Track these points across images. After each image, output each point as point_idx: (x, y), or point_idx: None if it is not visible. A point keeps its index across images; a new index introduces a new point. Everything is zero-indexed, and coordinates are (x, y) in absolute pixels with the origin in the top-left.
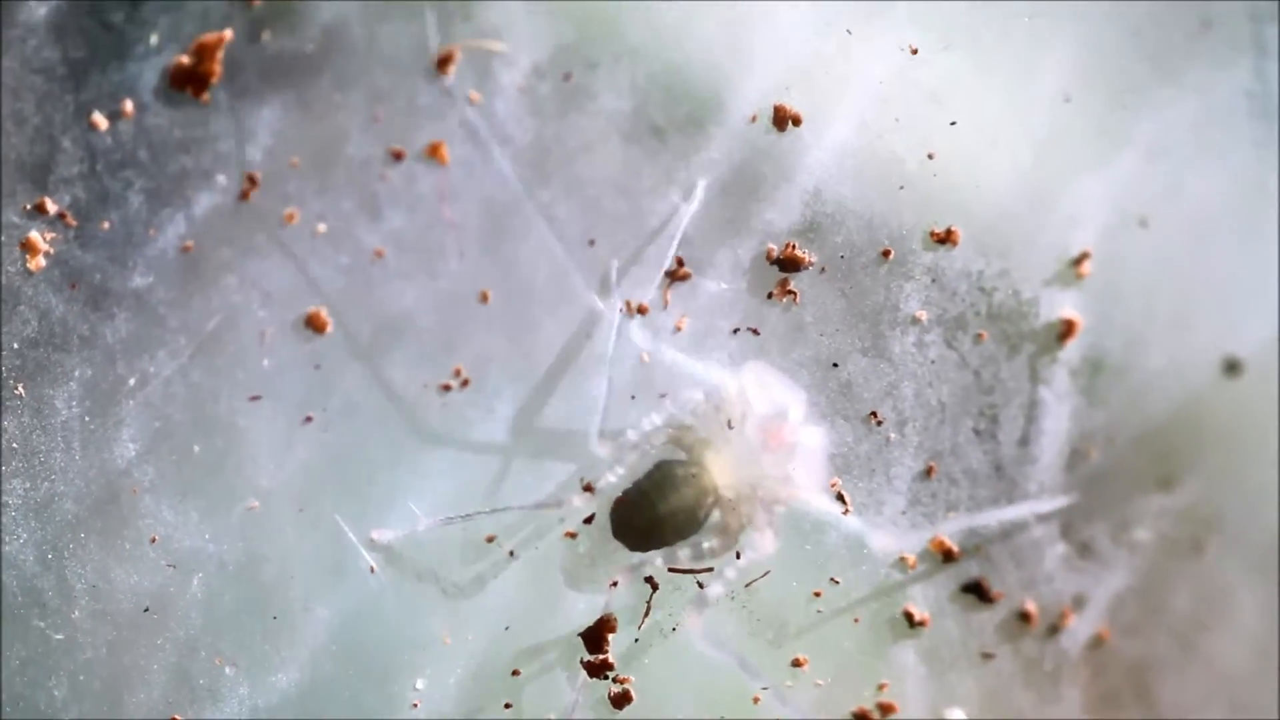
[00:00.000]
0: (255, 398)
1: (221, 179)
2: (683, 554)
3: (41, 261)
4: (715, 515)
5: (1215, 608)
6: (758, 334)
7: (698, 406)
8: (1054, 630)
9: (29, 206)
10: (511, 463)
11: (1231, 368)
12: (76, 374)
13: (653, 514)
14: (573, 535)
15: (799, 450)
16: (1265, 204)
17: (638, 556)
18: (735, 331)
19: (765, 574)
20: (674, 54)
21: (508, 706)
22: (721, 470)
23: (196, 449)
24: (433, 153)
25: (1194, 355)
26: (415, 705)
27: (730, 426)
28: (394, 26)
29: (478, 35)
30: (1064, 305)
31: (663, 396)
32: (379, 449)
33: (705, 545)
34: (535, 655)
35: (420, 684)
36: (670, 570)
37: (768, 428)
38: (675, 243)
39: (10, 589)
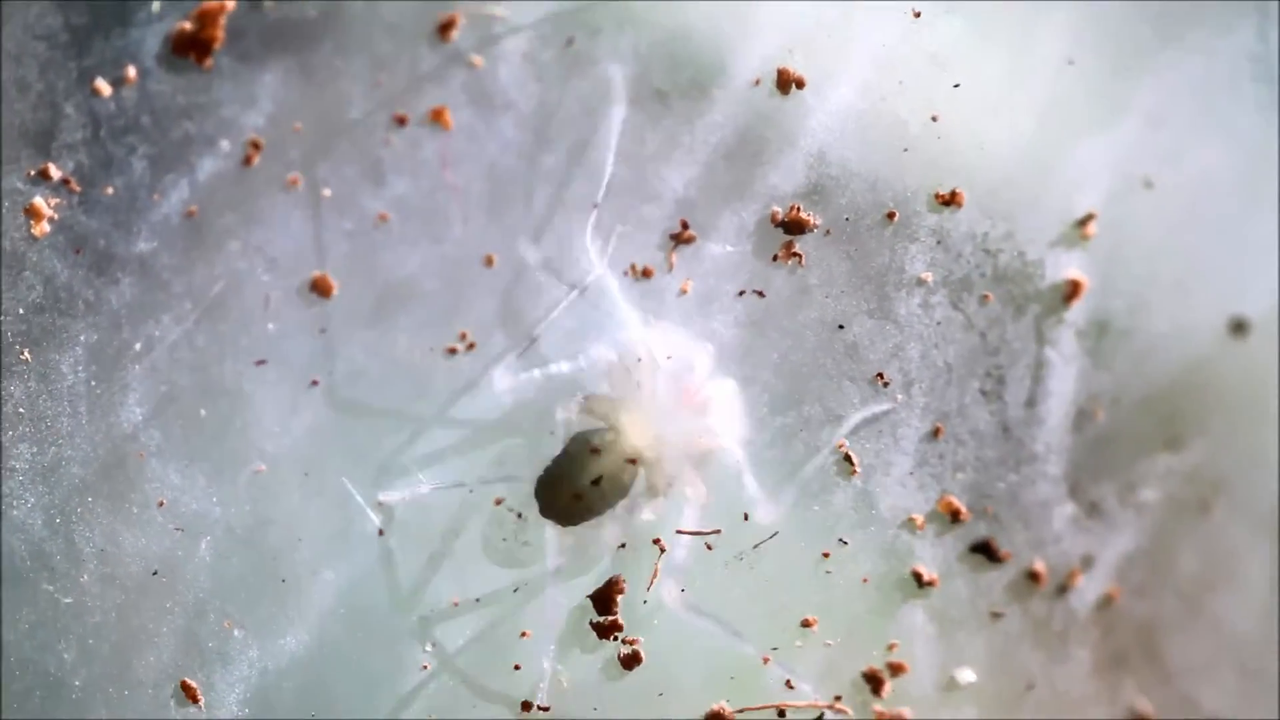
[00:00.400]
0: (261, 362)
1: (225, 144)
2: (614, 521)
3: (46, 227)
4: (640, 477)
5: (1222, 568)
6: (763, 296)
7: (611, 368)
8: (1063, 590)
9: (33, 172)
10: (518, 425)
11: (1238, 328)
12: (82, 339)
13: (575, 486)
14: (499, 501)
15: (712, 403)
16: (1268, 166)
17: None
18: (740, 294)
19: (773, 535)
20: (676, 19)
21: (517, 668)
22: (639, 432)
23: (203, 413)
24: (436, 117)
25: (1200, 316)
26: (424, 667)
27: (639, 386)
28: None
29: (480, 0)
30: (1069, 267)
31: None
32: (385, 413)
33: (636, 507)
34: (543, 617)
35: (429, 647)
36: (678, 532)
37: (678, 384)
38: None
39: (19, 553)
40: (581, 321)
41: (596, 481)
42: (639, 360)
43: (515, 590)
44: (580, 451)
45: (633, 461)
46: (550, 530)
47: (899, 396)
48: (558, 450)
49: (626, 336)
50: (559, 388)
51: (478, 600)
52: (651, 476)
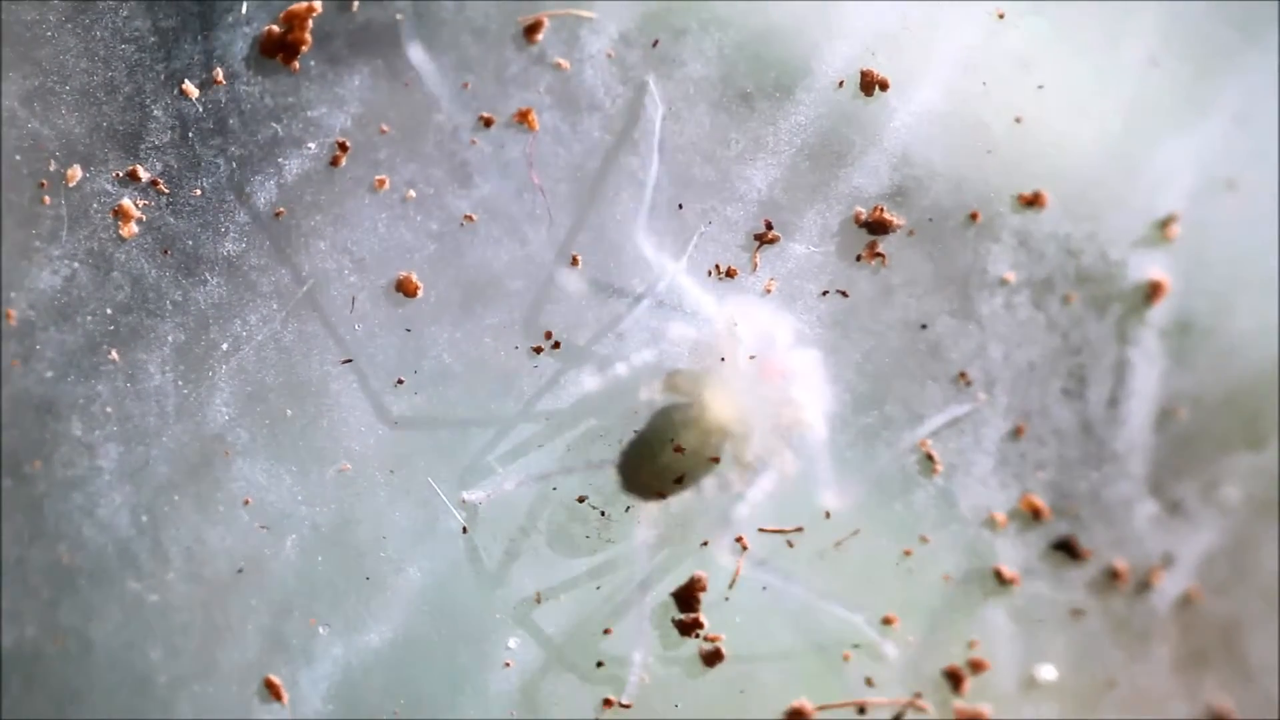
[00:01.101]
0: (347, 361)
1: (312, 146)
2: (700, 491)
3: (134, 228)
4: (728, 450)
5: None
6: (846, 296)
7: (694, 346)
8: (1143, 588)
9: (121, 174)
10: (601, 423)
11: None
12: (169, 339)
13: (655, 461)
14: (583, 499)
15: (795, 374)
16: None
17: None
18: (824, 294)
19: (855, 533)
20: (760, 20)
21: (600, 665)
22: (723, 405)
23: (289, 412)
24: (521, 119)
25: None
26: (508, 665)
27: (721, 360)
28: None
29: (566, 3)
30: (1152, 267)
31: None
32: (469, 411)
33: (726, 480)
34: (626, 613)
35: (513, 643)
36: (760, 531)
37: (760, 357)
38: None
39: (106, 552)
40: (663, 320)
41: (679, 451)
42: (719, 333)
43: (598, 587)
44: (664, 424)
45: (720, 435)
46: (639, 528)
47: (981, 396)
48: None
49: (706, 314)
50: (644, 376)
51: (561, 597)
52: (737, 450)
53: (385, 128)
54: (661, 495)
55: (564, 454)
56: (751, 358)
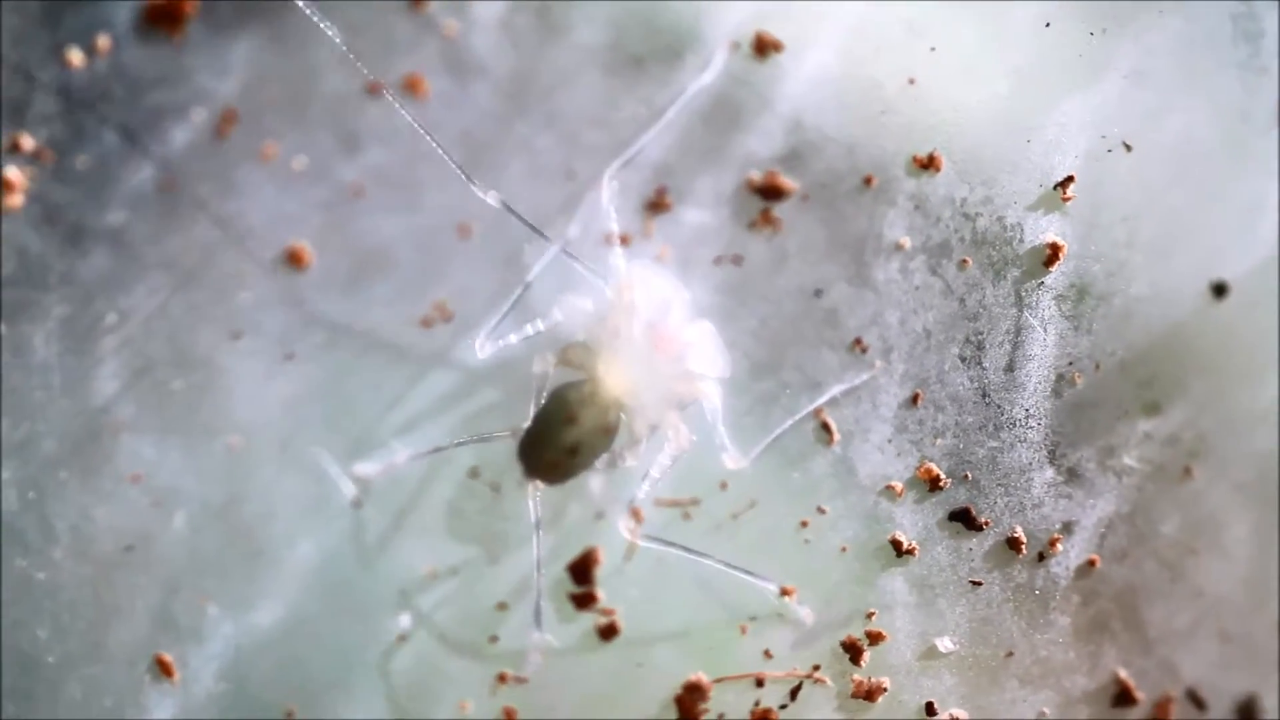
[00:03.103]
0: (236, 334)
1: (198, 114)
2: (599, 466)
3: (19, 199)
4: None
5: (1203, 533)
6: (739, 263)
7: (588, 316)
8: (1043, 557)
9: (5, 144)
10: (495, 396)
11: (1218, 291)
12: (55, 312)
13: (560, 443)
14: (475, 474)
15: (690, 345)
16: (1249, 127)
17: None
18: (718, 260)
19: (752, 504)
20: None
21: (493, 640)
22: (618, 380)
23: (177, 386)
24: (411, 86)
25: (1180, 279)
26: (401, 640)
27: (616, 333)
28: None
29: None
30: (1048, 230)
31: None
32: (361, 384)
33: (622, 454)
34: (521, 589)
35: (405, 620)
36: (656, 504)
37: (654, 328)
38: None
39: None
40: (557, 291)
41: (581, 435)
42: (614, 304)
43: (491, 564)
44: (560, 406)
45: (615, 411)
46: (529, 501)
47: (877, 363)
48: (536, 408)
49: (599, 284)
50: (538, 348)
51: (455, 573)
52: (634, 424)
53: (272, 96)
54: (564, 478)
55: (457, 426)
56: (647, 328)
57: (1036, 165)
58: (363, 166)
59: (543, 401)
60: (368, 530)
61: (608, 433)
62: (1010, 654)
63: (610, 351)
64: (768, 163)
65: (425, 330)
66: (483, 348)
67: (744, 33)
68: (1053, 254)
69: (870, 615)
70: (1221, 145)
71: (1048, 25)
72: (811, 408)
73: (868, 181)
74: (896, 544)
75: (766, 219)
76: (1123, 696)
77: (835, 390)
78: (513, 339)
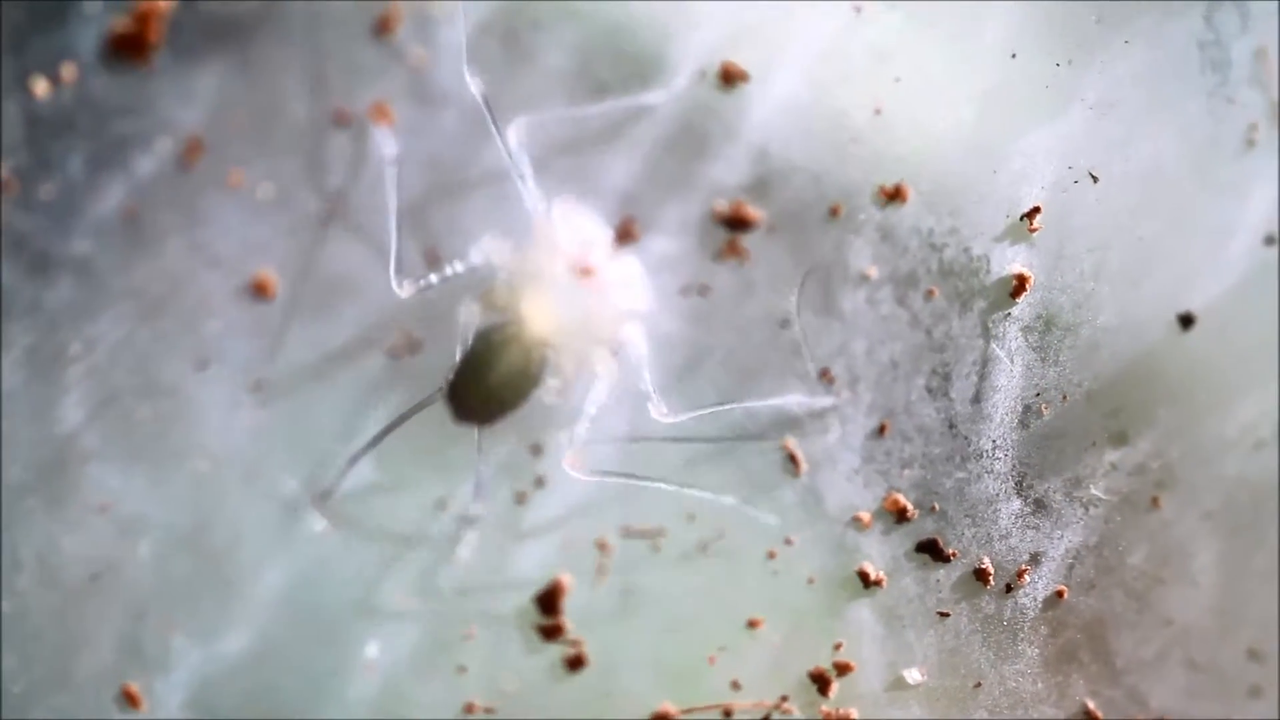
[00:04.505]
0: (203, 363)
1: (164, 143)
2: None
3: None
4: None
5: (1170, 563)
6: (705, 295)
7: (504, 256)
8: (1010, 588)
9: None
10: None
11: (1185, 322)
12: (20, 341)
13: (486, 386)
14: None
15: (616, 280)
16: (1218, 156)
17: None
18: (684, 290)
19: (720, 538)
20: (619, 13)
21: (462, 671)
22: (542, 318)
23: (143, 415)
24: (378, 113)
25: (1146, 310)
26: (368, 668)
27: (537, 272)
28: None
29: None
30: (1015, 261)
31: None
32: (328, 412)
33: (550, 393)
34: (489, 618)
35: (373, 647)
36: (624, 535)
37: (577, 263)
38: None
39: None
40: (479, 225)
41: (506, 377)
42: (535, 242)
43: (460, 592)
44: (484, 348)
45: (541, 350)
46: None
47: (844, 393)
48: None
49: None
50: (461, 296)
51: (422, 600)
52: (562, 361)
53: (238, 124)
54: (494, 419)
55: (423, 452)
56: (570, 265)
57: (1003, 196)
58: (329, 194)
59: (469, 346)
60: (336, 558)
61: (534, 372)
62: (979, 685)
63: (533, 291)
64: (734, 191)
65: (392, 358)
66: (401, 287)
67: (710, 61)
68: (1019, 285)
69: (838, 646)
70: (1189, 173)
71: (1014, 56)
72: (765, 404)
73: (834, 211)
74: (864, 575)
75: (733, 249)
76: None
77: (795, 400)
78: (433, 279)
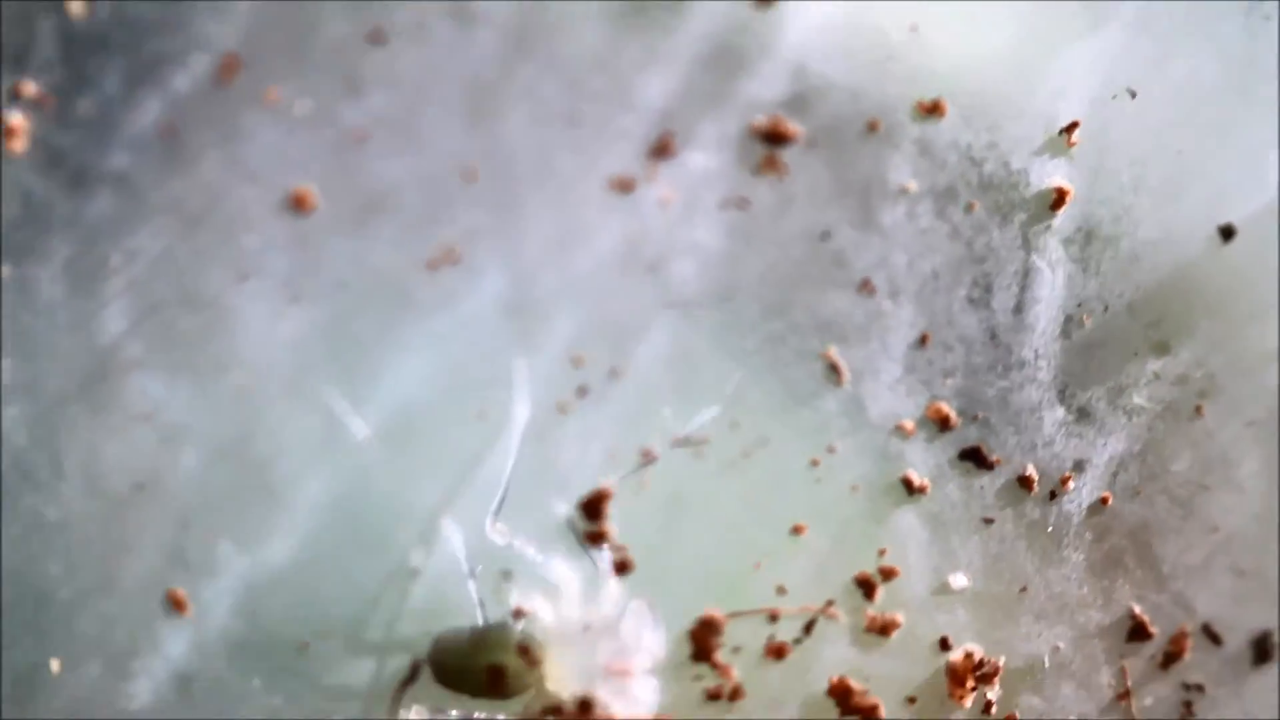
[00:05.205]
0: (243, 276)
1: (200, 60)
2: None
3: (22, 144)
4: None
5: (1214, 470)
6: (744, 208)
7: (567, 593)
8: (1054, 495)
9: (8, 90)
10: (499, 338)
11: (1226, 234)
12: (60, 254)
13: (479, 666)
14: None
15: (637, 694)
16: (1255, 72)
17: None
18: (723, 204)
19: (763, 446)
20: None
21: (507, 575)
22: (560, 678)
23: (185, 327)
24: (415, 31)
25: (1186, 223)
26: (413, 574)
27: (584, 631)
28: None
29: None
30: (1054, 175)
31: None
32: (367, 326)
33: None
34: (533, 525)
35: (418, 555)
36: (671, 444)
37: (618, 661)
38: None
39: (2, 466)
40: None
41: (492, 680)
42: (593, 626)
43: (502, 498)
44: (501, 645)
45: (535, 690)
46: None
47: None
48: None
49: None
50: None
51: (466, 505)
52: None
53: (275, 40)
54: (468, 693)
55: (459, 368)
56: (609, 656)
57: (1041, 111)
58: (366, 110)
59: (485, 631)
60: (379, 467)
61: (508, 694)
62: (1024, 589)
63: (561, 654)
64: (772, 107)
65: (431, 272)
66: (493, 533)
67: None
68: (1059, 198)
69: (882, 552)
70: (1226, 90)
71: None
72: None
73: (873, 126)
74: (908, 482)
75: (771, 164)
76: (1137, 631)
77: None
78: (512, 543)
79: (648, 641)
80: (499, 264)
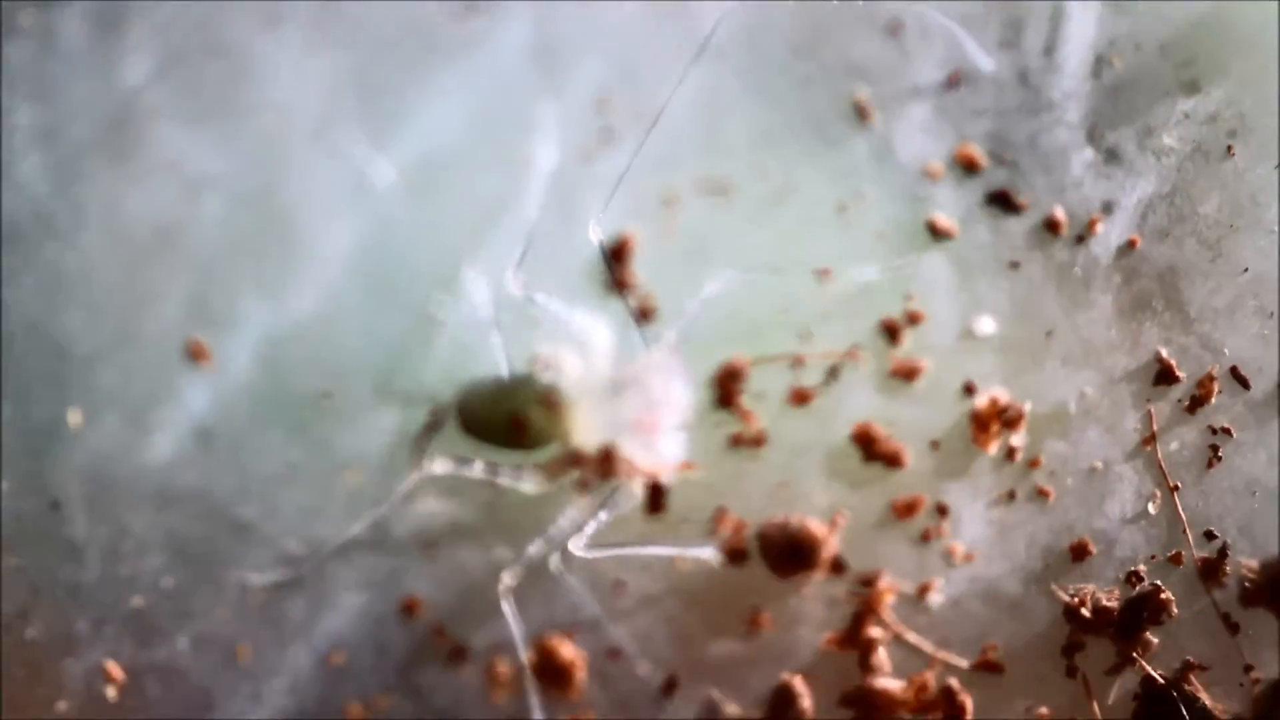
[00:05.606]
0: (268, 23)
1: None
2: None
3: None
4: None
5: (1245, 212)
6: None
7: (598, 358)
8: (1082, 238)
9: None
10: (525, 82)
11: None
12: None
13: (505, 415)
14: None
15: (664, 448)
16: None
17: None
18: None
19: (792, 191)
20: None
21: (534, 325)
22: (586, 430)
23: (209, 72)
24: None
25: None
26: (437, 325)
27: (615, 391)
28: None
29: None
30: None
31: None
32: (394, 72)
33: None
34: (559, 273)
35: (443, 303)
36: (696, 189)
37: (645, 414)
38: None
39: (21, 213)
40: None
41: (518, 426)
42: (623, 378)
43: (525, 250)
44: (524, 397)
45: (562, 445)
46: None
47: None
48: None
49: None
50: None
51: (493, 257)
52: (584, 471)
53: None
54: (495, 444)
55: (490, 113)
56: (637, 410)
57: None
58: None
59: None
60: (404, 219)
61: (534, 446)
62: (1050, 333)
63: (586, 407)
64: None
65: (458, 19)
66: (513, 286)
67: None
68: None
69: (909, 297)
70: None
71: None
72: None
73: None
74: (934, 225)
75: None
76: (1164, 375)
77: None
78: (537, 299)
79: (676, 395)
80: (526, 7)
